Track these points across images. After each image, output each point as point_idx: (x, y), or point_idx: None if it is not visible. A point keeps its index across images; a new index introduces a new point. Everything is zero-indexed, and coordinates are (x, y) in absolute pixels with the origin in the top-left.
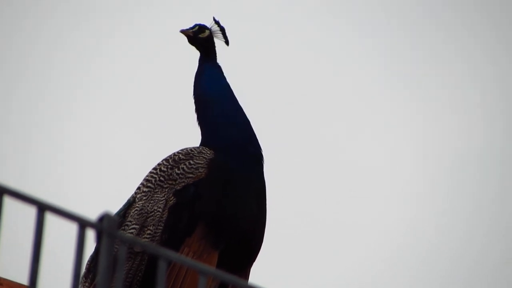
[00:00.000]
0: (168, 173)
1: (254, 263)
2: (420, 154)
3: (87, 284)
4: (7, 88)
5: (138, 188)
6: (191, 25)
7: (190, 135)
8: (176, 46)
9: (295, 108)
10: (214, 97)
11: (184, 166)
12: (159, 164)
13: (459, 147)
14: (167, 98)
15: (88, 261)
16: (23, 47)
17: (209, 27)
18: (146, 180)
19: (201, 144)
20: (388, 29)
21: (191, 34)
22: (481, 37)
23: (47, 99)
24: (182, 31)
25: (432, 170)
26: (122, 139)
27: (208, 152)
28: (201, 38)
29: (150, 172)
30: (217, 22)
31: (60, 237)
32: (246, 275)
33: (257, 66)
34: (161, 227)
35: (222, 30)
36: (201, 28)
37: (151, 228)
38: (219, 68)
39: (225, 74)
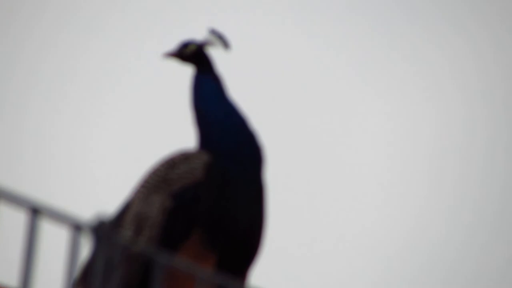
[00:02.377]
0: (165, 174)
1: (255, 266)
2: (422, 151)
3: None
4: (3, 85)
5: (134, 190)
6: (175, 46)
7: (187, 137)
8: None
9: (293, 107)
10: (202, 109)
11: (181, 168)
12: (155, 166)
13: (464, 144)
14: (164, 98)
15: (83, 265)
16: (18, 45)
17: (203, 40)
18: (142, 181)
19: (197, 146)
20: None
21: (177, 55)
22: (465, 30)
23: (44, 98)
24: (167, 55)
25: (434, 169)
26: (119, 140)
27: (205, 155)
28: (186, 54)
29: (147, 174)
30: (212, 32)
31: (53, 240)
32: (245, 279)
33: (252, 65)
34: (157, 230)
35: (220, 37)
36: (185, 44)
37: (147, 231)
38: (208, 76)
39: (223, 73)
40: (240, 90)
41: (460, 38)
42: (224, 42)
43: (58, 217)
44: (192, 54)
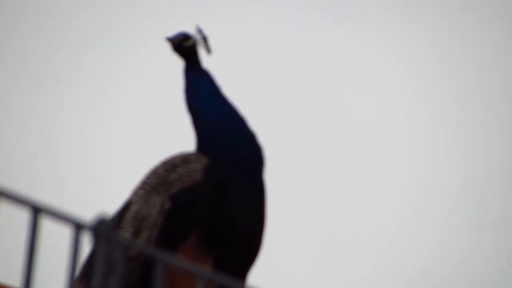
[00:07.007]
0: (164, 176)
1: (254, 267)
2: (447, 156)
3: (81, 287)
4: (5, 86)
5: (134, 190)
6: (176, 33)
7: (188, 139)
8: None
9: (291, 103)
10: (199, 110)
11: (181, 170)
12: (155, 167)
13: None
14: (165, 100)
15: (83, 264)
16: (22, 46)
17: (193, 35)
18: (142, 183)
19: (196, 149)
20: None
21: (177, 42)
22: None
23: (44, 97)
24: (169, 39)
25: (458, 176)
26: (119, 141)
27: (205, 158)
28: (186, 46)
29: (147, 175)
30: (199, 31)
31: (54, 239)
32: (244, 281)
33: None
34: (155, 231)
35: (205, 38)
36: (186, 36)
37: (146, 232)
38: (203, 75)
39: (216, 74)
40: (252, 83)
41: (482, 29)
42: (207, 46)
43: (60, 216)
44: (189, 48)
